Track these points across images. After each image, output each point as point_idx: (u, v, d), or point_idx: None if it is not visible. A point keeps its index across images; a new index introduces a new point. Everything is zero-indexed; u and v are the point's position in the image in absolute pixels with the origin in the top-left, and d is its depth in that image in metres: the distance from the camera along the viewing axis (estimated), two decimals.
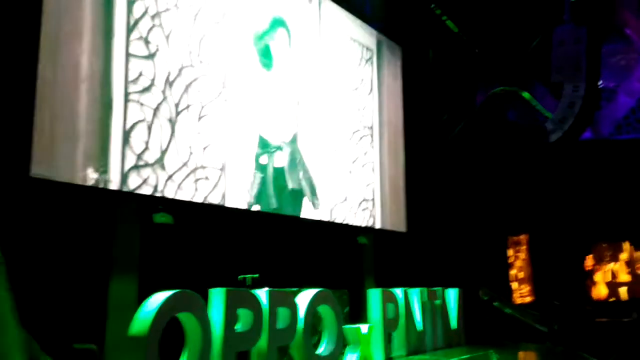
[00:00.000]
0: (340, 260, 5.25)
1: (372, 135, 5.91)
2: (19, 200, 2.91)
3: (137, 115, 3.51)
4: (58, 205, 3.11)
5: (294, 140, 4.83)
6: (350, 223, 5.38)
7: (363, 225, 5.55)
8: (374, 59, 6.09)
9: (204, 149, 3.96)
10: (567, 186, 7.30)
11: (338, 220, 5.24)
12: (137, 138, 3.50)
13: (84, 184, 3.16)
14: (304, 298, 3.75)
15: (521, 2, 7.06)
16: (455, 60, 7.07)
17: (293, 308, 3.62)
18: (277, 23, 4.84)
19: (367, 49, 6.00)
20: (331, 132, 5.28)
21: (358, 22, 5.89)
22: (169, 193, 3.66)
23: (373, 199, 5.78)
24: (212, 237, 3.98)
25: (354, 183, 5.52)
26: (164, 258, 3.56)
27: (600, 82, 7.47)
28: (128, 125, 3.46)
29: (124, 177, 3.40)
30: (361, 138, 5.73)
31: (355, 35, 5.81)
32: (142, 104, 3.56)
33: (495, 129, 7.41)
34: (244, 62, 4.41)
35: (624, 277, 6.90)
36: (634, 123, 7.61)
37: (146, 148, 3.56)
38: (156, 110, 3.65)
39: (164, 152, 3.67)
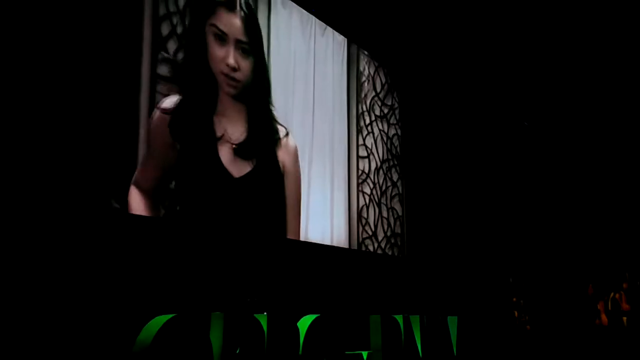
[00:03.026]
0: (342, 285, 5.21)
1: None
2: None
3: None
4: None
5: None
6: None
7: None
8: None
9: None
10: (568, 213, 7.30)
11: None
12: None
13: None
14: (304, 323, 3.71)
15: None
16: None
17: (294, 332, 3.58)
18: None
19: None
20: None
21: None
22: None
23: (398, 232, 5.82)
24: (216, 259, 3.95)
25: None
26: (165, 280, 3.53)
27: None
28: None
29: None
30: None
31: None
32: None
33: (501, 157, 7.45)
34: (275, 85, 4.37)
35: (626, 306, 6.87)
36: None
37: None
38: None
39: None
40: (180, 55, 3.57)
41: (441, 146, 6.90)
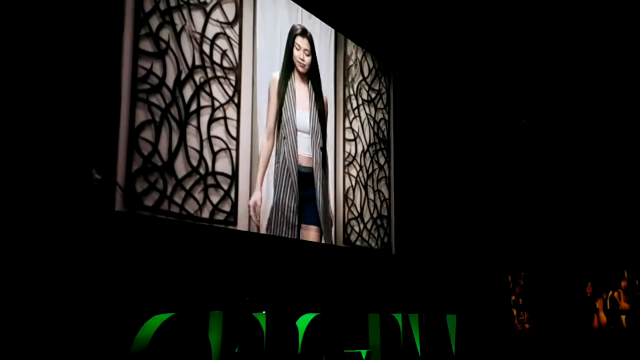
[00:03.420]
0: (340, 284, 5.21)
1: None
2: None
3: (145, 116, 3.50)
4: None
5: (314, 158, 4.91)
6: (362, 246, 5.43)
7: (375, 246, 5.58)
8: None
9: (216, 154, 3.97)
10: (566, 212, 7.30)
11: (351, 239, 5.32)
12: (145, 140, 3.49)
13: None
14: (303, 321, 3.71)
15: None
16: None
17: (293, 331, 3.58)
18: (300, 31, 4.96)
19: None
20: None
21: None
22: (177, 199, 3.66)
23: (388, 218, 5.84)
24: (215, 258, 3.94)
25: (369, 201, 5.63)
26: (164, 279, 3.52)
27: None
28: (135, 126, 3.45)
29: (131, 180, 3.38)
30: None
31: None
32: (150, 104, 3.55)
33: (500, 154, 7.43)
34: (260, 65, 4.45)
35: (624, 305, 6.87)
36: None
37: (154, 150, 3.54)
38: (165, 111, 3.64)
39: (173, 156, 3.65)
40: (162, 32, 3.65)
41: (435, 136, 6.85)
